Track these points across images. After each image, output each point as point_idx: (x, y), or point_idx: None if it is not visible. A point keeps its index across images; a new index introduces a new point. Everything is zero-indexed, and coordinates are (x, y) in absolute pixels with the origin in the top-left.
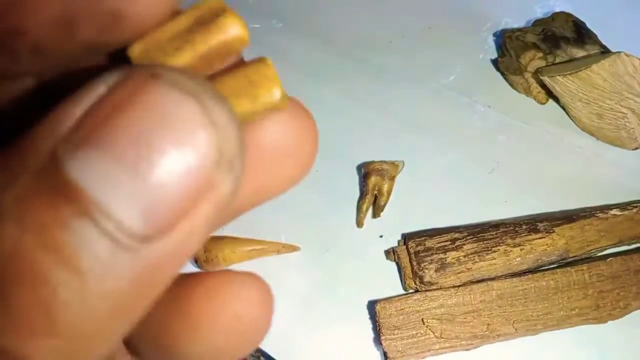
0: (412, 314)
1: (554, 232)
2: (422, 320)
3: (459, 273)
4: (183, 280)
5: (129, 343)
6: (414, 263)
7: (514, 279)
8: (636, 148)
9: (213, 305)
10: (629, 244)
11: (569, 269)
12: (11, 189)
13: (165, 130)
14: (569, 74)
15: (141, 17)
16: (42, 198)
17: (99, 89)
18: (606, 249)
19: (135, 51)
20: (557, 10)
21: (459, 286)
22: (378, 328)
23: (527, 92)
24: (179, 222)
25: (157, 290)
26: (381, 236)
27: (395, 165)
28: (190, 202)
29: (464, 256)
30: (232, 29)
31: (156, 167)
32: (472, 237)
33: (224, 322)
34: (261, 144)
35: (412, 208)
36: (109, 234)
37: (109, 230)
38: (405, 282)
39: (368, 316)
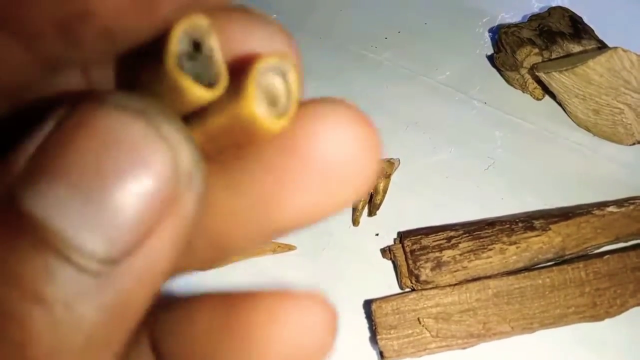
0: (408, 313)
1: (550, 229)
2: (418, 319)
3: (454, 271)
4: (232, 299)
5: None
6: (410, 262)
7: (510, 277)
8: (633, 144)
9: (270, 332)
10: (626, 241)
11: (565, 266)
12: None
13: (115, 153)
14: (565, 70)
15: None
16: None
17: (50, 123)
18: (603, 246)
19: None
20: (554, 4)
21: (455, 285)
22: (374, 327)
23: (523, 88)
24: (143, 243)
25: (131, 316)
26: (377, 235)
27: (390, 163)
28: (152, 222)
29: (460, 254)
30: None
31: (110, 191)
32: (467, 235)
33: (282, 350)
34: (308, 156)
35: (407, 206)
36: (70, 261)
37: (71, 257)
38: (401, 280)
39: (364, 315)
